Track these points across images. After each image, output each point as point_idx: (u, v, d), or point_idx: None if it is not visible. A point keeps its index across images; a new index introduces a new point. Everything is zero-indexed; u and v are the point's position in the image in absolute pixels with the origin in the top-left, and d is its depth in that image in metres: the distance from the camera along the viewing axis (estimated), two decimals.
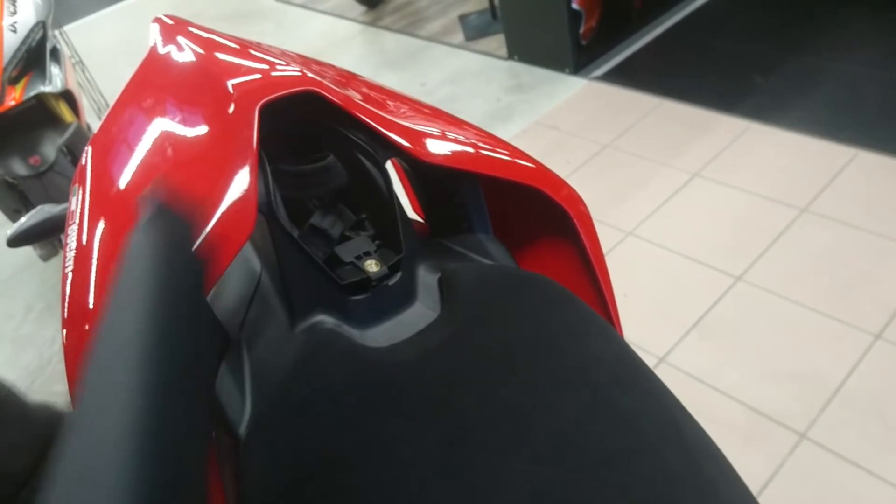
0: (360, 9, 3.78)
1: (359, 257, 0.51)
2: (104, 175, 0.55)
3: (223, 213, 0.45)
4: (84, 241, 0.51)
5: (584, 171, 2.29)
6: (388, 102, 0.59)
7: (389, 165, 0.56)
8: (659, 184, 2.16)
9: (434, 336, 0.47)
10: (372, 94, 0.59)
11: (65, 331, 0.50)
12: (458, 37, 3.28)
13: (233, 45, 0.60)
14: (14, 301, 2.34)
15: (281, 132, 0.56)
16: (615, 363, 0.44)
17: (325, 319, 0.49)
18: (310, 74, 0.53)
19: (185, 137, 0.52)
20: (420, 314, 0.51)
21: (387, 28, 3.56)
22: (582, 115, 2.54)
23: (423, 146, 0.53)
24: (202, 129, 0.52)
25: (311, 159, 0.54)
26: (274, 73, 0.54)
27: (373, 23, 3.66)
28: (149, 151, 0.53)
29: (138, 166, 0.52)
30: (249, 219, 0.45)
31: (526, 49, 2.93)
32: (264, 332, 0.50)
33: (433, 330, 0.48)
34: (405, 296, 0.51)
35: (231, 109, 0.50)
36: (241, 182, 0.46)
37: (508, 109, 2.69)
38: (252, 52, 0.58)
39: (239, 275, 0.56)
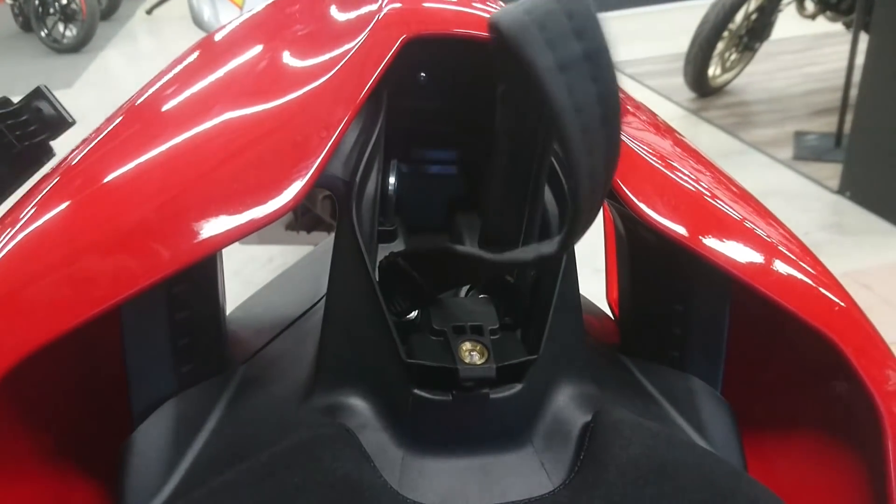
0: (690, 95, 3.54)
1: (460, 330, 0.29)
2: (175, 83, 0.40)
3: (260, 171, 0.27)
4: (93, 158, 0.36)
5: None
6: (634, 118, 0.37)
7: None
8: None
9: None
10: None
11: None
12: (786, 152, 2.87)
13: None
14: (263, 248, 2.50)
15: (440, 98, 0.37)
16: None
17: (358, 407, 0.29)
18: None
19: (282, 63, 0.36)
20: (526, 472, 0.28)
21: (709, 121, 3.27)
22: None
23: (650, 198, 0.31)
24: (309, 57, 0.35)
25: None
26: (460, 8, 0.35)
27: (697, 111, 3.39)
28: (231, 73, 0.37)
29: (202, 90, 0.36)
30: (290, 192, 0.27)
31: (866, 188, 2.44)
32: (271, 383, 0.31)
33: None
34: (513, 429, 0.29)
35: (360, 39, 0.32)
36: (316, 136, 0.28)
37: (815, 247, 2.22)
38: None
39: (300, 281, 0.38)
